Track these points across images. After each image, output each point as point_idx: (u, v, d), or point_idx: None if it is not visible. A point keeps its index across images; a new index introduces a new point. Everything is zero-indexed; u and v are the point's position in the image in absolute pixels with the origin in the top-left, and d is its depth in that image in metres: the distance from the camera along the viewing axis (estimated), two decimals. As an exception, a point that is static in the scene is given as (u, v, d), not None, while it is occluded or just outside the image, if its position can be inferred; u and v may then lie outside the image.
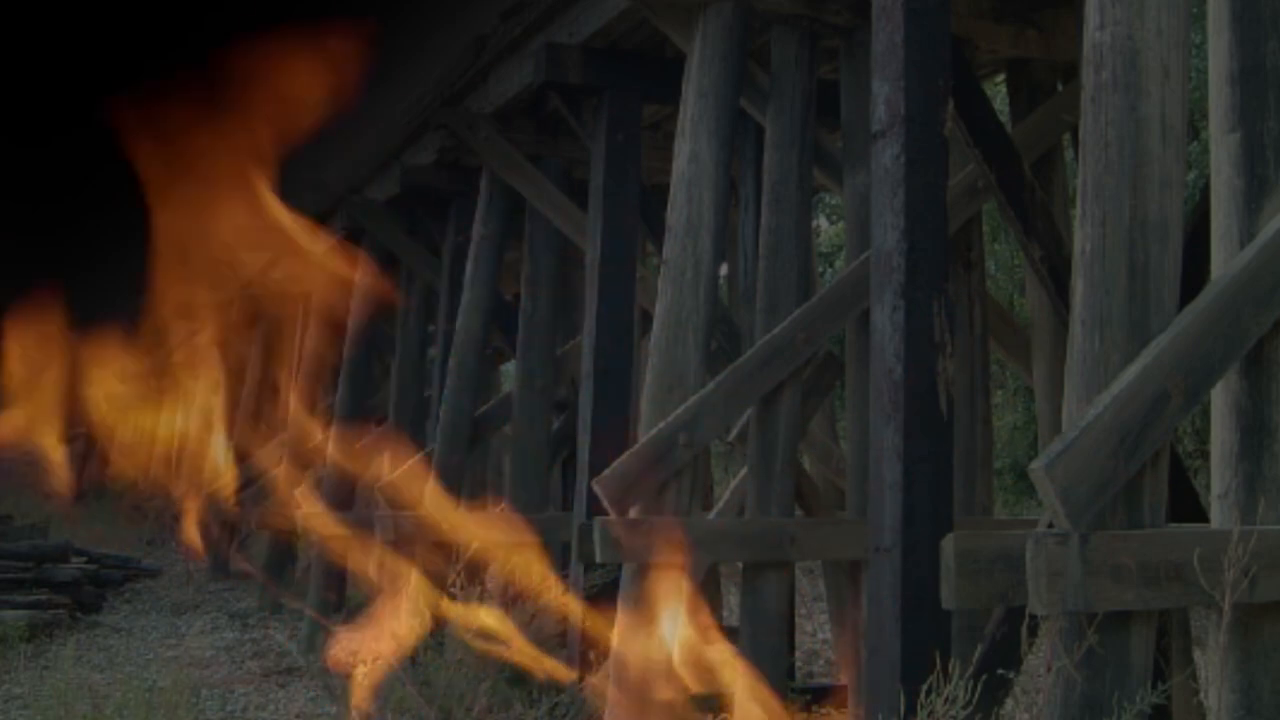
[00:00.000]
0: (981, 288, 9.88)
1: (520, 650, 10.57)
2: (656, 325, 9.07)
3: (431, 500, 12.97)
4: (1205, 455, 11.29)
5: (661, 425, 8.49)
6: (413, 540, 13.10)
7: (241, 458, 22.50)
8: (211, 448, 24.88)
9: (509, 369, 18.35)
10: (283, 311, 22.24)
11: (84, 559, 19.13)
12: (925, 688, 5.86)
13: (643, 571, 8.39)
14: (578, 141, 12.20)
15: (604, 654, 9.08)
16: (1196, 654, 7.64)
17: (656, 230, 10.90)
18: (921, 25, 7.01)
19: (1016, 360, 10.52)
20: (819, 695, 9.89)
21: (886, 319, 6.98)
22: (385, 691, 10.33)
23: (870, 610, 7.07)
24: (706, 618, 8.96)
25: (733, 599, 12.97)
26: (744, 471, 9.42)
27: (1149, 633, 5.28)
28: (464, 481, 13.86)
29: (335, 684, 11.19)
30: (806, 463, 10.69)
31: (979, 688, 5.79)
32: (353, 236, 17.71)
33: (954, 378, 7.18)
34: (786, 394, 8.94)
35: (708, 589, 11.53)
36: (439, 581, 11.72)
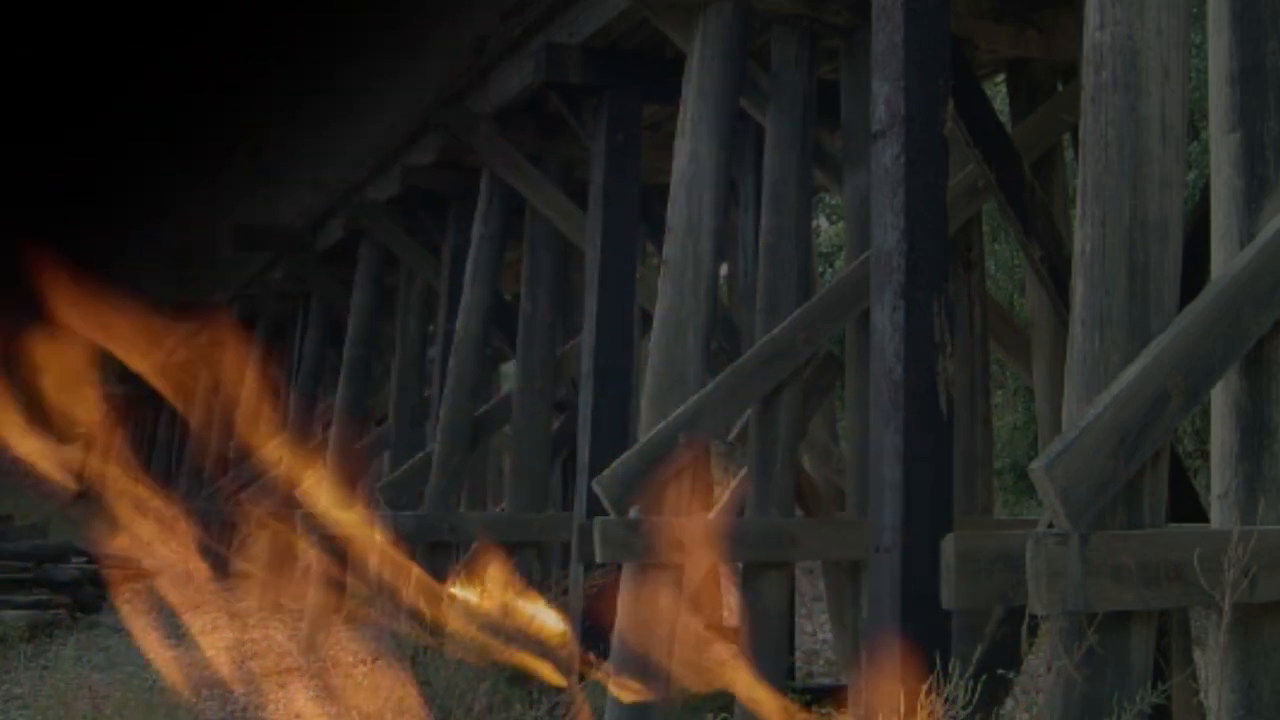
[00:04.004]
0: (981, 288, 9.88)
1: (520, 650, 10.58)
2: (656, 325, 9.07)
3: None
4: (1205, 455, 11.29)
5: (661, 425, 8.49)
6: (413, 540, 13.11)
7: (242, 458, 22.50)
8: (214, 446, 24.89)
9: (509, 369, 18.34)
10: (282, 311, 22.27)
11: (84, 559, 19.13)
12: (925, 688, 5.86)
13: (643, 571, 8.39)
14: (578, 141, 12.20)
15: (604, 654, 9.08)
16: (1196, 654, 7.64)
17: (656, 230, 10.90)
18: (921, 25, 7.00)
19: (1016, 360, 10.52)
20: (819, 695, 9.89)
21: (886, 319, 6.98)
22: (385, 691, 10.34)
23: (870, 610, 7.07)
24: (706, 618, 8.97)
25: (733, 599, 12.96)
26: (744, 471, 9.41)
27: (1149, 633, 5.28)
28: (464, 481, 13.86)
29: (335, 684, 11.20)
30: (806, 463, 10.69)
31: (979, 688, 5.79)
32: (353, 236, 17.72)
33: (954, 378, 7.19)
34: (786, 394, 8.94)
35: (708, 589, 11.54)
36: (439, 581, 11.73)
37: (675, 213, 9.12)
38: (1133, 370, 5.23)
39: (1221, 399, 5.53)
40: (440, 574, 12.30)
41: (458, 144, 13.64)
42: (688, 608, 8.65)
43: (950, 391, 7.01)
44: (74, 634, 16.08)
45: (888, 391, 6.92)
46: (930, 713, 5.79)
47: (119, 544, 23.03)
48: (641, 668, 8.36)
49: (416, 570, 12.88)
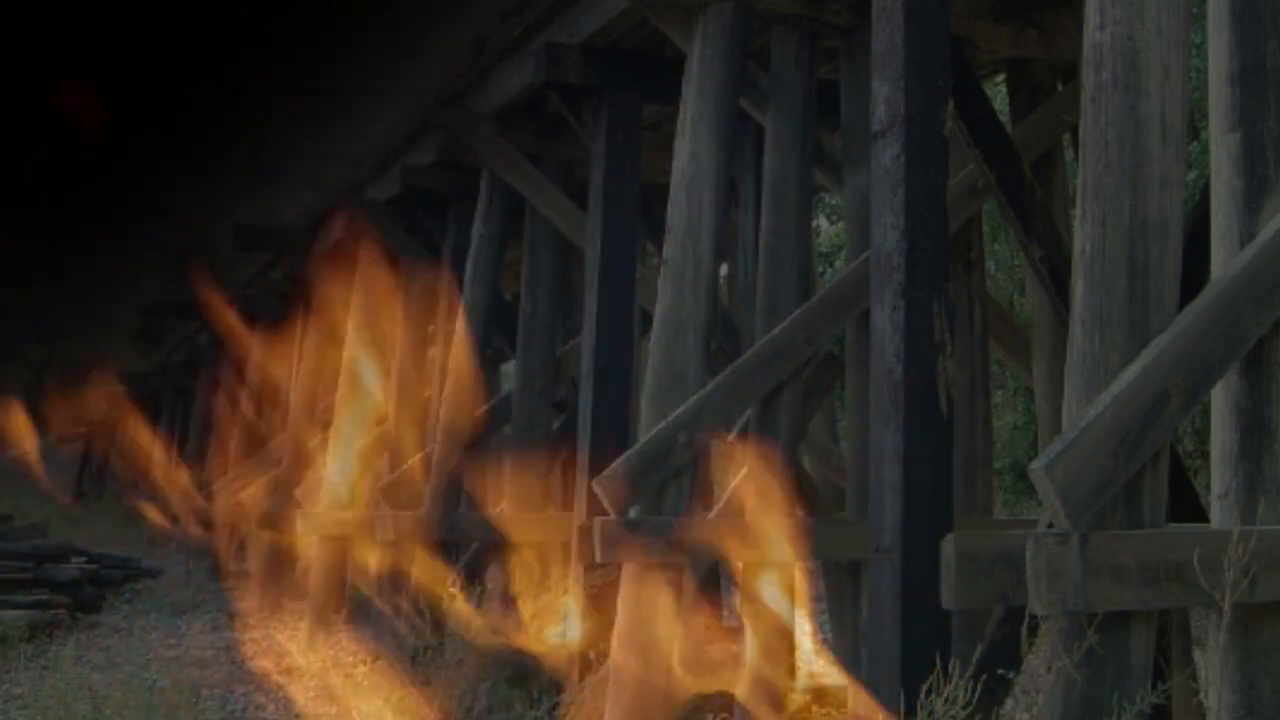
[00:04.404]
0: (981, 288, 9.88)
1: (520, 650, 10.58)
2: (656, 325, 9.07)
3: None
4: (1205, 455, 11.30)
5: (661, 425, 8.49)
6: (413, 540, 13.10)
7: (242, 458, 22.50)
8: (212, 448, 24.89)
9: (509, 369, 18.35)
10: (282, 311, 22.26)
11: (84, 559, 19.13)
12: (925, 688, 5.86)
13: (643, 571, 8.39)
14: (578, 141, 12.20)
15: (604, 654, 9.08)
16: (1196, 654, 7.64)
17: (656, 230, 10.90)
18: (921, 25, 7.00)
19: (1016, 360, 10.52)
20: (819, 695, 9.89)
21: (886, 319, 6.98)
22: (385, 691, 10.34)
23: (870, 610, 7.07)
24: (706, 618, 8.97)
25: (733, 599, 12.96)
26: (744, 471, 9.41)
27: (1149, 633, 5.28)
28: (464, 481, 13.85)
29: (335, 684, 11.21)
30: (806, 463, 10.69)
31: (979, 688, 5.79)
32: (352, 236, 17.70)
33: (954, 378, 7.18)
34: (786, 394, 8.94)
35: (708, 589, 11.54)
36: (439, 581, 11.73)
37: (675, 213, 9.12)
38: (1133, 370, 5.22)
39: (1221, 399, 5.53)
40: (440, 574, 12.29)
41: (458, 144, 13.63)
42: (688, 608, 8.65)
43: (950, 391, 7.01)
44: (74, 634, 16.07)
45: (888, 391, 6.92)
46: (930, 713, 5.79)
47: (119, 544, 23.04)
48: (641, 668, 8.36)
49: (416, 570, 12.89)
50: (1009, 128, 9.61)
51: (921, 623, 6.61)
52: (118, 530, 27.31)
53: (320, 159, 17.29)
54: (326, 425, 18.17)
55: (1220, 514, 5.45)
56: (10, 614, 15.78)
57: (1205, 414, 7.27)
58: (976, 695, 5.76)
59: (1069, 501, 5.03)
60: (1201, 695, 7.06)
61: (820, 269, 19.01)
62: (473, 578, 12.48)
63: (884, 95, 7.07)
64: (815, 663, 13.13)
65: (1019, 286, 17.64)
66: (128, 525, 28.32)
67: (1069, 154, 10.56)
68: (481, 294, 13.68)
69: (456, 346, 13.66)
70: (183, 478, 27.36)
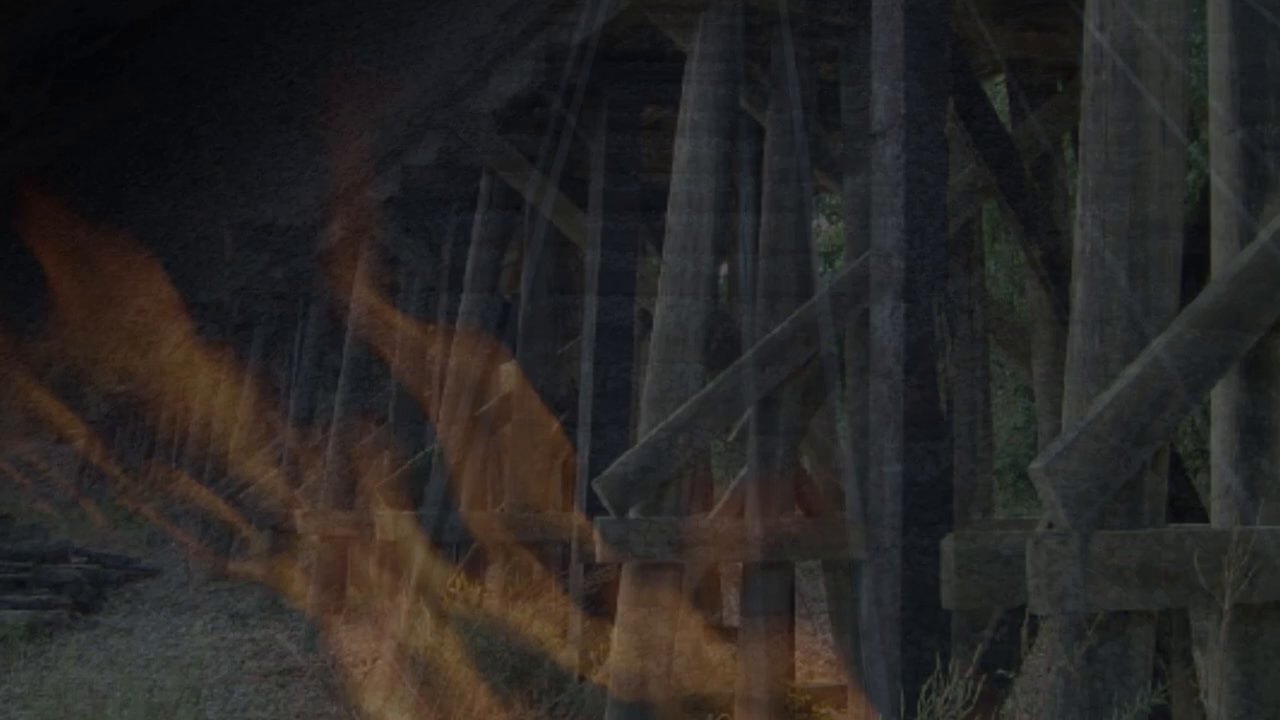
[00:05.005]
0: (981, 288, 9.88)
1: (520, 650, 10.58)
2: (656, 326, 9.07)
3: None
4: (1205, 455, 11.29)
5: (661, 426, 8.49)
6: (413, 540, 13.10)
7: (242, 458, 22.50)
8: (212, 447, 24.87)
9: (509, 369, 18.35)
10: (282, 311, 22.27)
11: (84, 559, 19.15)
12: (925, 688, 5.87)
13: (643, 571, 8.39)
14: (578, 141, 12.19)
15: (604, 654, 9.08)
16: (1196, 654, 7.63)
17: (656, 230, 10.91)
18: (921, 25, 7.01)
19: (1016, 360, 10.52)
20: (819, 695, 9.89)
21: (886, 319, 6.98)
22: (385, 691, 10.34)
23: (870, 610, 7.08)
24: (706, 618, 8.97)
25: (733, 599, 12.96)
26: (744, 471, 9.41)
27: (1149, 633, 5.28)
28: (464, 481, 13.86)
29: (335, 684, 11.21)
30: (806, 463, 10.68)
31: (979, 688, 5.79)
32: (352, 236, 17.72)
33: (954, 378, 7.19)
34: (786, 394, 8.94)
35: (708, 589, 11.55)
36: (439, 581, 11.73)
37: (675, 213, 9.12)
38: (1133, 370, 5.23)
39: (1221, 399, 5.54)
40: (440, 574, 12.29)
41: (458, 144, 13.63)
42: (688, 608, 8.65)
43: (950, 391, 7.01)
44: (74, 634, 16.08)
45: (888, 391, 6.93)
46: (930, 713, 5.79)
47: (119, 544, 23.03)
48: (641, 668, 8.36)
49: (416, 570, 12.89)
50: (1009, 128, 9.61)
51: (921, 623, 6.62)
52: (118, 530, 27.32)
53: (320, 158, 17.30)
54: (326, 425, 18.17)
55: (1220, 514, 5.45)
56: (10, 614, 15.79)
57: (1205, 414, 7.28)
58: (976, 695, 5.76)
59: (1069, 501, 5.03)
60: (1201, 695, 7.06)
61: (820, 269, 19.01)
62: (473, 578, 12.48)
63: (884, 95, 7.08)
64: (815, 662, 13.13)
65: (1019, 286, 17.64)
66: (128, 525, 28.32)
67: (1069, 154, 10.56)
68: (481, 294, 13.67)
69: (457, 346, 13.66)
70: (183, 476, 27.36)
